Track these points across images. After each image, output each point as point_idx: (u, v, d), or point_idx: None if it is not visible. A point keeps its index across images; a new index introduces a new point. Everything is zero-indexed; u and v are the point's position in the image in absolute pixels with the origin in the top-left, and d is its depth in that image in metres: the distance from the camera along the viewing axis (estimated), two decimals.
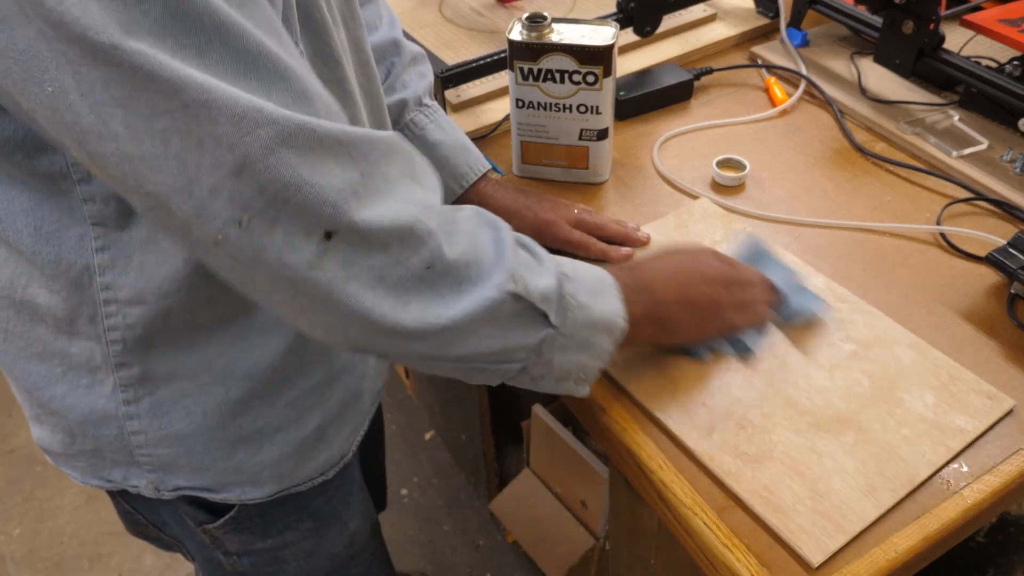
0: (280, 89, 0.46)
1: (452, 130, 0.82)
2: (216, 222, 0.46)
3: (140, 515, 0.76)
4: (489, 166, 0.82)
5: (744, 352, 0.69)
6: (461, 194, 0.80)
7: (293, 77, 0.47)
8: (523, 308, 0.55)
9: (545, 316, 0.56)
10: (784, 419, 0.65)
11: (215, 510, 0.72)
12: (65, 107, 0.42)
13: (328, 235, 0.48)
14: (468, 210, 0.57)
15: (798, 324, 0.72)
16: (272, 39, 0.46)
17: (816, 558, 0.56)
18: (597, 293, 0.60)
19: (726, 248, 0.77)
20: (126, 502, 0.74)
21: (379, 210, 0.49)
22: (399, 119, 0.80)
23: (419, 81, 0.82)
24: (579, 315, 0.58)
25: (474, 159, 0.82)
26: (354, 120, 0.65)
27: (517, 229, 0.78)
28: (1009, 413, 0.65)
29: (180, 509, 0.72)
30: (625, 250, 0.80)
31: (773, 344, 0.71)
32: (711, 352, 0.70)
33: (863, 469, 0.61)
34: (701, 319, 0.67)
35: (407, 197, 0.51)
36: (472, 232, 0.55)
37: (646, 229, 0.82)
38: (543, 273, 0.57)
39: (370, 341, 0.53)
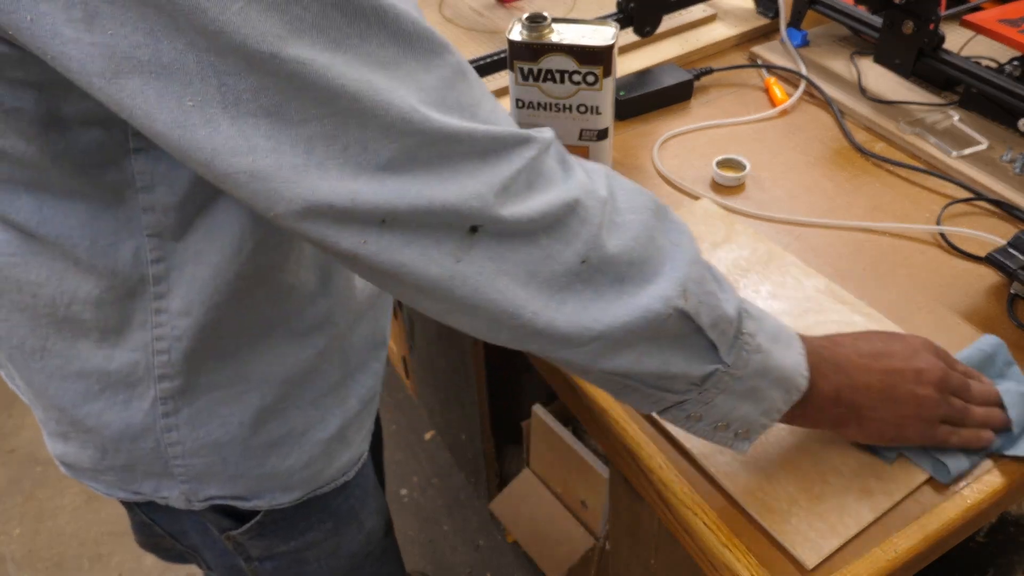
0: (439, 65, 0.44)
1: None
2: (356, 227, 0.44)
3: (159, 526, 0.75)
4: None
5: (943, 476, 0.61)
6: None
7: (447, 51, 0.45)
8: (691, 331, 0.50)
9: (715, 347, 0.51)
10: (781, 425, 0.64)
11: (240, 516, 0.71)
12: (203, 122, 0.40)
13: (473, 228, 0.45)
14: (643, 199, 0.52)
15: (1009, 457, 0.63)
16: (419, 14, 0.45)
17: (811, 560, 0.56)
18: (779, 341, 0.55)
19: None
20: (145, 513, 0.73)
21: (528, 203, 0.46)
22: None
23: None
24: (754, 358, 0.52)
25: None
26: None
27: None
28: None
29: (204, 517, 0.71)
30: None
31: None
32: (896, 456, 0.62)
33: (859, 472, 0.61)
34: (904, 422, 0.59)
35: (561, 186, 0.48)
36: (644, 225, 0.50)
37: None
38: (723, 299, 0.51)
39: (523, 343, 0.50)
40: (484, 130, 0.45)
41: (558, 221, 0.47)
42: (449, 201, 0.44)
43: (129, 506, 0.74)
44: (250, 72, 0.40)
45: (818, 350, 0.57)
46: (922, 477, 0.61)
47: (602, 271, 0.48)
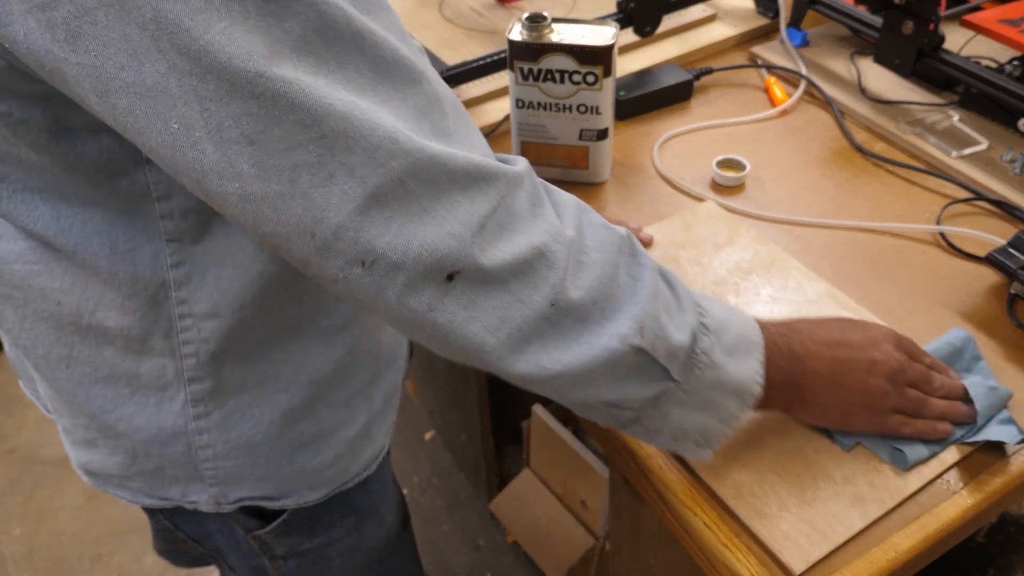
0: (414, 94, 0.45)
1: None
2: (338, 261, 0.44)
3: (182, 531, 0.75)
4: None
5: (900, 462, 0.62)
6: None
7: (424, 80, 0.46)
8: (644, 361, 0.52)
9: (667, 370, 0.53)
10: (774, 424, 0.64)
11: (266, 516, 0.71)
12: (189, 145, 0.41)
13: (450, 276, 0.46)
14: (610, 236, 0.53)
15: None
16: (402, 43, 0.45)
17: (797, 566, 0.56)
18: (736, 351, 0.56)
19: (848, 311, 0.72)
20: (168, 519, 0.73)
21: (500, 246, 0.47)
22: None
23: None
24: (707, 374, 0.54)
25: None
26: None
27: None
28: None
29: (230, 519, 0.71)
30: None
31: None
32: (854, 444, 0.63)
33: (851, 479, 0.61)
34: (849, 408, 0.61)
35: (531, 229, 0.49)
36: (609, 264, 0.51)
37: (650, 231, 0.82)
38: (678, 325, 0.53)
39: (485, 368, 0.51)
40: (463, 157, 0.45)
41: (529, 266, 0.48)
42: (428, 240, 0.44)
43: (152, 512, 0.74)
44: (232, 97, 0.40)
45: (774, 338, 0.58)
46: (915, 485, 0.60)
47: (568, 313, 0.49)
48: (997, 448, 0.63)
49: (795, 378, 0.59)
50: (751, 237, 0.81)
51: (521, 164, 0.51)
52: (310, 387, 0.63)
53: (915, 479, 0.61)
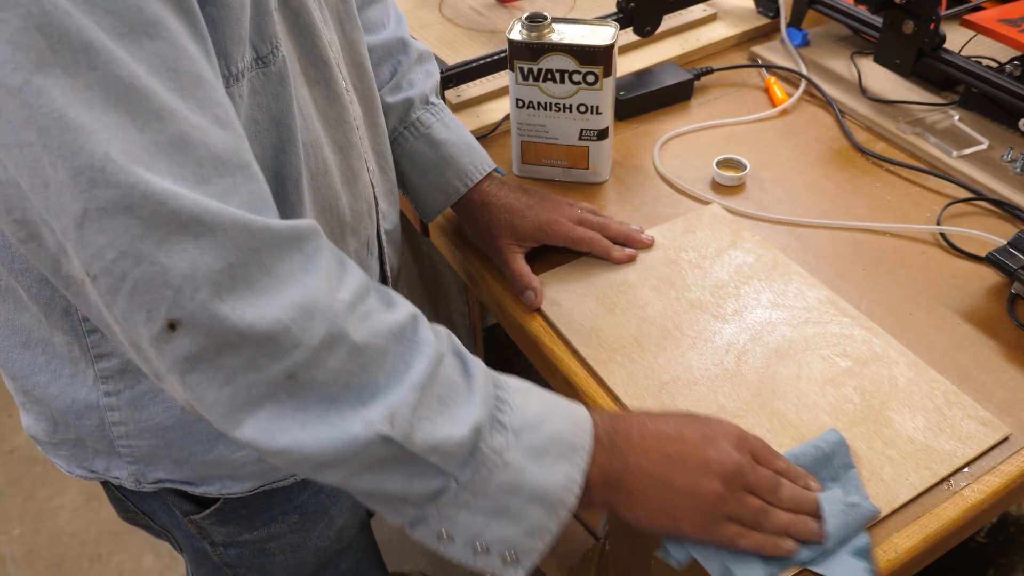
0: (153, 129, 0.42)
1: (458, 129, 0.82)
2: (75, 263, 0.44)
3: (130, 502, 0.76)
4: (494, 165, 0.82)
5: None
6: (465, 193, 0.80)
7: (171, 119, 0.42)
8: (399, 453, 0.48)
9: (438, 467, 0.49)
10: (768, 432, 0.64)
11: (201, 501, 0.72)
12: None
13: (172, 325, 0.43)
14: (389, 320, 0.50)
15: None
16: (160, 76, 0.43)
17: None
18: (546, 454, 0.51)
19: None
20: (116, 489, 0.74)
21: (239, 306, 0.44)
22: (405, 118, 0.80)
23: (425, 80, 0.82)
24: (500, 476, 0.50)
25: (479, 158, 0.81)
26: (342, 122, 0.63)
27: (519, 228, 0.78)
28: (1004, 441, 0.63)
29: (167, 499, 0.72)
30: (628, 251, 0.80)
31: (765, 354, 0.70)
32: (687, 558, 0.56)
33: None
34: (678, 512, 0.54)
35: (284, 296, 0.45)
36: (373, 348, 0.48)
37: (652, 232, 0.82)
38: (455, 418, 0.49)
39: (221, 430, 0.48)
40: (194, 201, 0.42)
41: (267, 338, 0.45)
42: (144, 279, 0.42)
43: (104, 482, 0.75)
44: None
45: (597, 432, 0.54)
46: (906, 496, 0.59)
47: (312, 390, 0.47)
48: None
49: (616, 476, 0.54)
50: (754, 241, 0.81)
51: (303, 227, 0.47)
52: None
53: (905, 489, 0.59)
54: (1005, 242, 0.75)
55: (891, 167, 0.91)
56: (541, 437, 0.52)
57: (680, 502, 0.54)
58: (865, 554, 0.56)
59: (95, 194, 0.41)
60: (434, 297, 1.16)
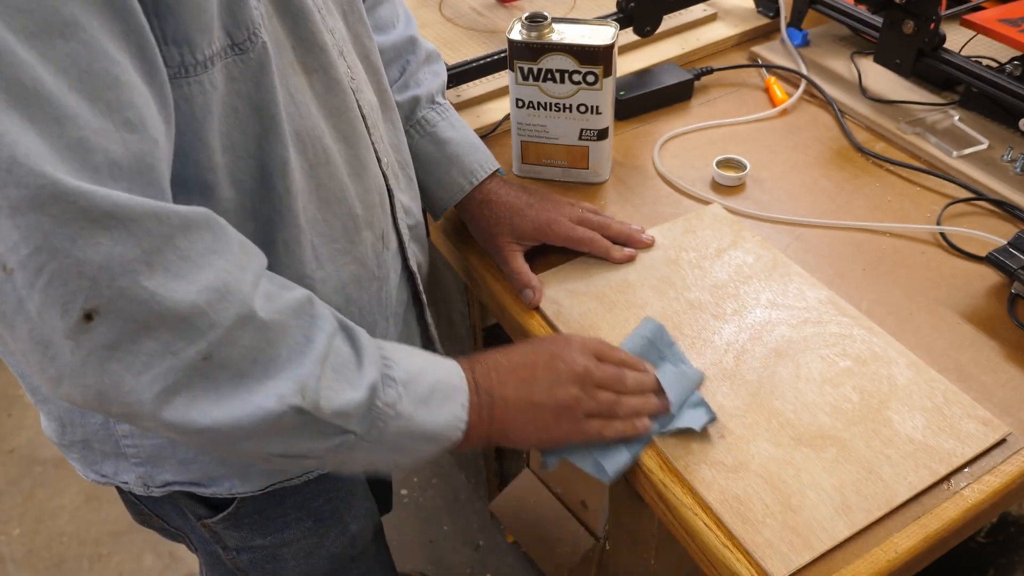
0: (53, 134, 0.42)
1: (463, 128, 0.82)
2: None
3: (144, 506, 0.76)
4: (498, 165, 0.82)
5: (602, 476, 0.62)
6: (469, 191, 0.80)
7: (72, 124, 0.43)
8: (308, 420, 0.51)
9: (339, 427, 0.53)
10: (766, 431, 0.64)
11: (214, 505, 0.72)
12: None
13: (88, 316, 0.44)
14: (290, 297, 0.53)
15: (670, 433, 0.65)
16: (68, 78, 0.43)
17: (778, 572, 0.56)
18: (431, 401, 0.57)
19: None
20: (130, 492, 0.74)
21: (160, 291, 0.45)
22: (411, 116, 0.81)
23: (433, 79, 0.82)
24: (394, 425, 0.55)
25: (484, 157, 0.81)
26: (344, 110, 0.62)
27: (519, 227, 0.78)
28: (1002, 441, 0.63)
29: (180, 503, 0.72)
30: (628, 250, 0.80)
31: (764, 354, 0.70)
32: (559, 461, 0.64)
33: (840, 487, 0.60)
34: (547, 425, 0.62)
35: (197, 279, 0.47)
36: (278, 324, 0.51)
37: (653, 232, 0.82)
38: (352, 383, 0.53)
39: (133, 421, 0.50)
40: (104, 195, 0.43)
41: (184, 321, 0.46)
42: (61, 272, 0.43)
43: (118, 487, 0.75)
44: None
45: (472, 377, 0.60)
46: (904, 495, 0.60)
47: (225, 368, 0.48)
48: (693, 432, 0.64)
49: (487, 412, 0.60)
50: (755, 242, 0.81)
51: (198, 209, 0.48)
52: None
53: (904, 488, 0.60)
54: (1005, 242, 0.75)
55: (891, 167, 0.91)
56: (425, 386, 0.57)
57: (546, 415, 0.62)
58: (702, 404, 0.65)
59: (6, 193, 0.41)
60: (434, 297, 1.16)
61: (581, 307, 0.75)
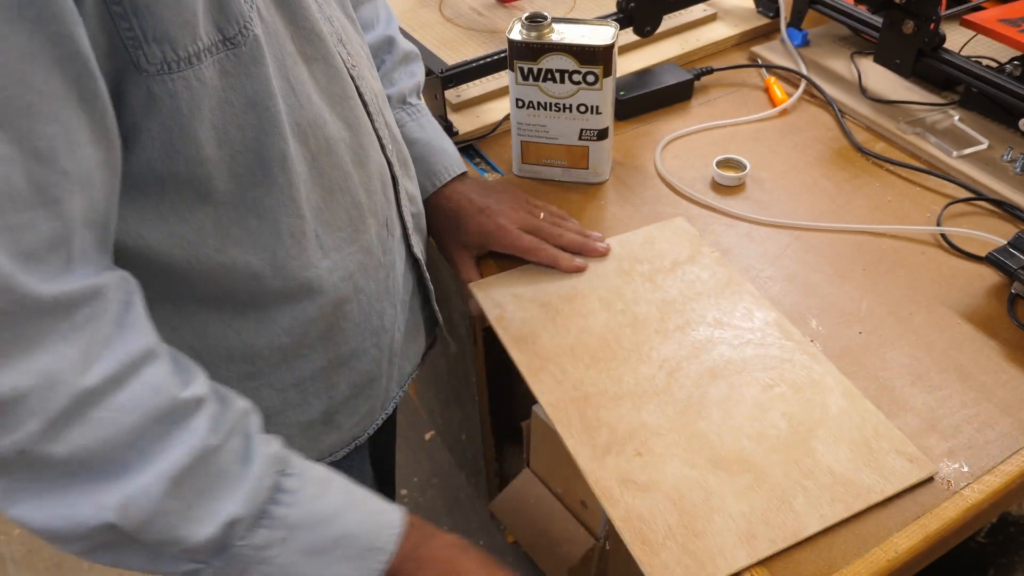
0: None
1: (433, 131, 0.82)
2: None
3: None
4: (464, 169, 0.82)
5: None
6: (432, 193, 0.81)
7: None
8: (134, 542, 0.47)
9: (185, 557, 0.48)
10: (685, 451, 0.63)
11: None
12: None
13: None
14: (156, 399, 0.47)
15: None
16: None
17: None
18: (329, 553, 0.51)
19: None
20: None
21: None
22: None
23: (407, 80, 0.82)
24: (260, 570, 0.50)
25: (450, 160, 0.81)
26: (346, 98, 0.61)
27: (465, 235, 0.79)
28: (929, 480, 0.61)
29: None
30: (579, 261, 0.79)
31: (699, 373, 0.69)
32: None
33: (748, 514, 0.59)
34: None
35: (33, 364, 0.43)
36: (124, 425, 0.45)
37: (611, 241, 0.81)
38: (209, 513, 0.47)
39: None
40: None
41: (2, 406, 0.42)
42: None
43: None
44: None
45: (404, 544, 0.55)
46: (815, 528, 0.58)
47: (48, 464, 0.44)
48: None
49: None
50: (712, 258, 0.80)
51: (84, 292, 0.45)
52: (242, 364, 0.62)
53: (815, 521, 0.58)
54: (1005, 242, 0.75)
55: (891, 167, 0.91)
56: (326, 535, 0.51)
57: None
58: None
59: None
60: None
61: (524, 313, 0.75)
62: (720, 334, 0.72)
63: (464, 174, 0.82)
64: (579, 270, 0.79)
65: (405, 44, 0.84)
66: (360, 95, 0.65)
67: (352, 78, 0.63)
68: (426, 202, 0.81)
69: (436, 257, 0.91)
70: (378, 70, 0.81)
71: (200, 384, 0.51)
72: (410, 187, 0.74)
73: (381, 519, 0.55)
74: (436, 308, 0.82)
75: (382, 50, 0.82)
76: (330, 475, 0.55)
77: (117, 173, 0.48)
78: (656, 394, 0.67)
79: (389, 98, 0.80)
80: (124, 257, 0.53)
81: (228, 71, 0.51)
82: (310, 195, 0.60)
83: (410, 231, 0.74)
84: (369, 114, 0.66)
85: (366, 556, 0.53)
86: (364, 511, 0.54)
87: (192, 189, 0.53)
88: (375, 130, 0.67)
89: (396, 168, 0.70)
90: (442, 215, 0.80)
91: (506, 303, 0.76)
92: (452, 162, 0.82)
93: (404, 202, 0.72)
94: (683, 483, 0.61)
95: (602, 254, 0.80)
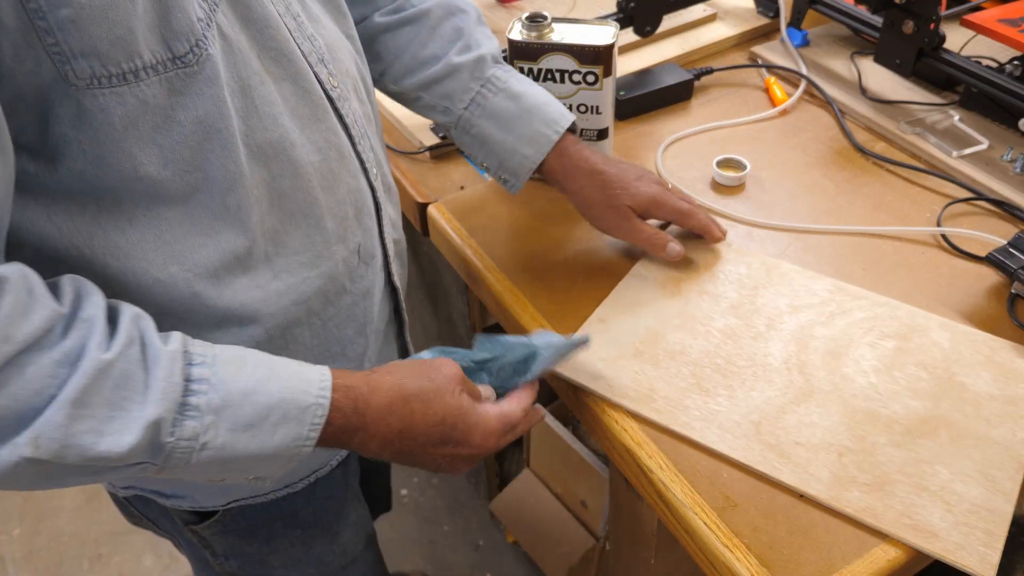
0: None
1: (531, 83, 0.78)
2: None
3: (134, 507, 0.76)
4: (574, 117, 0.78)
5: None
6: (556, 142, 0.76)
7: None
8: (53, 469, 0.47)
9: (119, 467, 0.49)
10: (881, 435, 0.62)
11: (200, 512, 0.71)
12: None
13: None
14: (67, 345, 0.47)
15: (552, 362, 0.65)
16: None
17: (988, 573, 0.55)
18: (261, 425, 0.51)
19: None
20: (122, 496, 0.74)
21: None
22: (480, 75, 0.76)
23: (490, 41, 0.79)
24: (200, 456, 0.50)
25: (560, 108, 0.77)
26: (316, 120, 0.60)
27: (635, 197, 0.75)
28: None
29: (167, 507, 0.72)
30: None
31: (822, 359, 0.68)
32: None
33: (973, 465, 0.60)
34: (414, 463, 0.61)
35: None
36: (22, 375, 0.46)
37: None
38: (124, 424, 0.48)
39: None
40: None
41: None
42: None
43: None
44: None
45: (338, 398, 0.55)
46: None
47: None
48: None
49: (349, 434, 0.56)
50: (734, 251, 0.80)
51: None
52: None
53: (1020, 446, 0.60)
54: (1005, 242, 0.75)
55: (891, 167, 0.91)
56: (254, 407, 0.51)
57: (418, 463, 0.60)
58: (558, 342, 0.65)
59: None
60: (434, 297, 1.16)
61: (622, 374, 0.69)
62: (805, 317, 0.73)
63: (573, 122, 0.78)
64: (721, 238, 0.79)
65: (473, 5, 0.80)
66: (341, 118, 0.63)
67: (331, 99, 0.61)
68: (552, 165, 0.76)
69: (437, 259, 0.91)
70: (460, 33, 0.77)
71: (91, 305, 0.50)
72: (392, 213, 0.72)
73: (305, 376, 0.54)
74: (408, 339, 0.79)
75: (453, 12, 0.78)
76: (243, 352, 0.54)
77: (10, 181, 0.47)
78: (805, 396, 0.66)
79: (483, 57, 0.76)
80: (58, 264, 0.52)
81: (178, 89, 0.50)
82: (265, 217, 0.58)
83: (391, 258, 0.72)
84: (351, 137, 0.64)
85: (304, 414, 0.53)
86: (287, 374, 0.54)
87: (131, 203, 0.52)
88: (358, 154, 0.65)
89: (379, 193, 0.68)
90: (600, 179, 0.76)
91: (600, 371, 0.70)
92: (563, 110, 0.77)
93: (387, 229, 0.70)
94: (906, 464, 0.61)
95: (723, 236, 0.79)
